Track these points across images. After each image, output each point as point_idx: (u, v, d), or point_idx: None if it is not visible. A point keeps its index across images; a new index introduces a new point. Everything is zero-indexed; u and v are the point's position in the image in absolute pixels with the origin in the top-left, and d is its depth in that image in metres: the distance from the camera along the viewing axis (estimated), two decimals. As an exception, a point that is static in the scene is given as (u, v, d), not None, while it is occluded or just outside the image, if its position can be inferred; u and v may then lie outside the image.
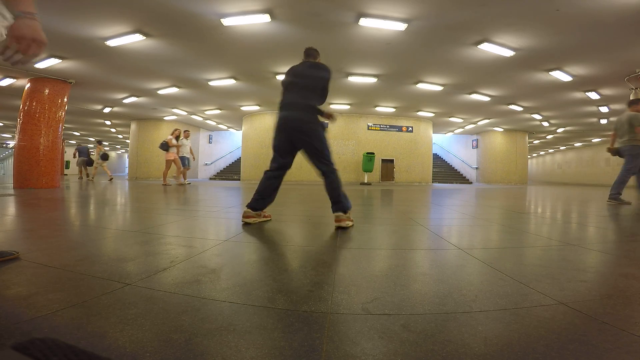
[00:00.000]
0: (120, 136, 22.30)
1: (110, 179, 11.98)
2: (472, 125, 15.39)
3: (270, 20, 5.32)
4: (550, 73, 7.53)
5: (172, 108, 12.82)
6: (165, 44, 6.39)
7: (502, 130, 16.53)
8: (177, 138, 9.45)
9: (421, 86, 9.20)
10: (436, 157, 19.81)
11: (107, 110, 12.70)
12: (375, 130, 14.06)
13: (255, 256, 1.67)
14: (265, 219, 2.74)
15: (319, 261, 1.52)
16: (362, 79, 8.66)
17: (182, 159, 9.61)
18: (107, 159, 12.32)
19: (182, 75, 8.51)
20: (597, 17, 4.90)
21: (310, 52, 3.02)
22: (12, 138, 22.25)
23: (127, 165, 23.10)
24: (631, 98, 7.73)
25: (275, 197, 2.72)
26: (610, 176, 20.08)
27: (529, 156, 21.08)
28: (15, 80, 8.19)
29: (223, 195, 5.93)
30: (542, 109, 11.49)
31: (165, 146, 9.16)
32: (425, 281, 1.26)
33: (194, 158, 10.27)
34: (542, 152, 28.59)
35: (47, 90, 7.81)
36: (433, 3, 4.78)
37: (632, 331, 0.84)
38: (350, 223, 2.48)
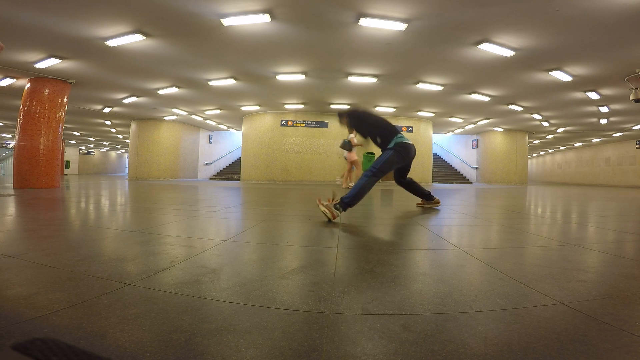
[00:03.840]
0: (120, 136, 22.28)
1: None
2: (472, 125, 15.39)
3: (270, 20, 5.32)
4: (550, 73, 7.52)
5: (172, 108, 12.83)
6: (165, 44, 6.39)
7: (502, 130, 16.53)
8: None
9: (421, 86, 9.20)
10: (436, 157, 19.81)
11: (107, 110, 12.70)
12: (375, 130, 14.05)
13: (255, 256, 1.67)
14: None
15: (319, 261, 1.52)
16: (362, 79, 8.66)
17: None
18: None
19: (182, 75, 8.51)
20: (597, 17, 4.90)
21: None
22: (12, 138, 22.26)
23: (127, 165, 23.11)
24: (631, 98, 7.74)
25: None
26: (609, 176, 20.18)
27: (529, 156, 21.10)
28: (15, 80, 8.19)
29: (223, 195, 5.93)
30: (542, 109, 11.49)
31: (348, 145, 8.41)
32: (425, 281, 1.26)
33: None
34: (542, 152, 28.59)
35: (47, 90, 7.81)
36: (433, 3, 4.78)
37: (632, 331, 0.84)
38: (327, 212, 2.73)
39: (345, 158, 9.18)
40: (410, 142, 3.31)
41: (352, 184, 8.77)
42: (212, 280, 1.23)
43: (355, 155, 8.72)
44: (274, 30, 5.75)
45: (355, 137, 8.36)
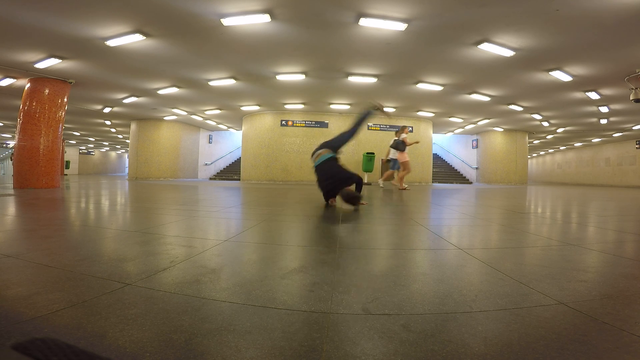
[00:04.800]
0: (120, 136, 22.28)
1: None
2: (472, 125, 15.39)
3: (270, 20, 5.32)
4: (550, 73, 7.52)
5: (172, 108, 12.83)
6: (165, 44, 6.39)
7: (502, 130, 16.53)
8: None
9: (421, 86, 9.20)
10: (436, 157, 19.80)
11: (107, 110, 12.70)
12: (375, 130, 14.07)
13: (255, 256, 1.67)
14: None
15: (319, 261, 1.52)
16: (362, 79, 8.66)
17: (396, 161, 8.67)
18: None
19: (182, 75, 8.51)
20: (597, 17, 4.90)
21: None
22: (12, 138, 22.25)
23: (127, 165, 23.11)
24: (631, 98, 7.73)
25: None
26: (609, 176, 20.18)
27: (529, 156, 21.09)
28: (15, 80, 8.19)
29: (223, 195, 5.93)
30: (542, 109, 11.50)
31: (402, 145, 8.16)
32: (425, 281, 1.26)
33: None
34: (542, 152, 28.59)
35: (47, 90, 7.81)
36: (433, 3, 4.78)
37: (632, 331, 0.84)
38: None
39: (388, 159, 8.84)
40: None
41: (397, 184, 8.43)
42: (212, 280, 1.23)
43: (407, 156, 8.34)
44: (274, 30, 5.75)
45: (407, 137, 8.17)
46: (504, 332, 0.85)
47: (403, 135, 8.31)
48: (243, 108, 12.82)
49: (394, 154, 8.64)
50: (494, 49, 6.25)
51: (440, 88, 9.31)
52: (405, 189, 8.14)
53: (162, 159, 15.69)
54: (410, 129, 8.44)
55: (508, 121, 14.12)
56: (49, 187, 7.50)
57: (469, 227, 2.71)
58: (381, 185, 9.06)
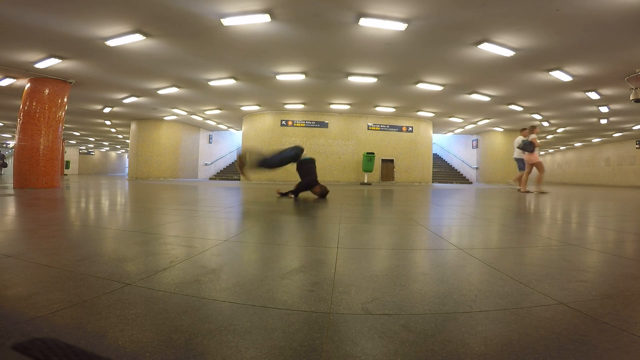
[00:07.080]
0: (120, 136, 22.28)
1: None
2: (472, 125, 15.39)
3: (270, 20, 5.33)
4: (550, 73, 7.52)
5: (172, 108, 12.83)
6: (165, 44, 6.39)
7: (502, 130, 16.53)
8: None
9: (421, 86, 9.20)
10: (436, 157, 19.81)
11: (107, 110, 12.71)
12: (375, 130, 14.06)
13: (255, 256, 1.67)
14: None
15: (319, 261, 1.52)
16: (362, 79, 8.66)
17: (521, 161, 8.24)
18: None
19: (182, 75, 8.51)
20: (597, 17, 4.90)
21: None
22: (12, 138, 22.24)
23: (127, 165, 23.11)
24: (631, 98, 7.73)
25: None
26: (609, 176, 20.17)
27: (529, 156, 21.04)
28: (15, 80, 8.19)
29: (223, 195, 5.93)
30: (542, 109, 11.50)
31: (530, 146, 7.77)
32: (425, 281, 1.26)
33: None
34: (542, 152, 28.59)
35: (47, 90, 7.81)
36: (433, 3, 4.78)
37: (632, 331, 0.84)
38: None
39: (515, 159, 8.59)
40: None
41: (533, 188, 8.00)
42: (212, 280, 1.23)
43: (537, 157, 7.91)
44: (274, 30, 5.75)
45: (537, 138, 7.84)
46: (504, 332, 0.84)
47: (532, 136, 7.89)
48: (243, 108, 12.82)
49: (519, 154, 8.29)
50: (494, 49, 6.25)
51: (440, 88, 9.31)
52: (543, 192, 7.70)
53: (162, 159, 15.70)
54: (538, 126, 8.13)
55: (508, 121, 14.12)
56: (49, 187, 7.50)
57: (469, 227, 2.71)
58: (518, 188, 8.35)
